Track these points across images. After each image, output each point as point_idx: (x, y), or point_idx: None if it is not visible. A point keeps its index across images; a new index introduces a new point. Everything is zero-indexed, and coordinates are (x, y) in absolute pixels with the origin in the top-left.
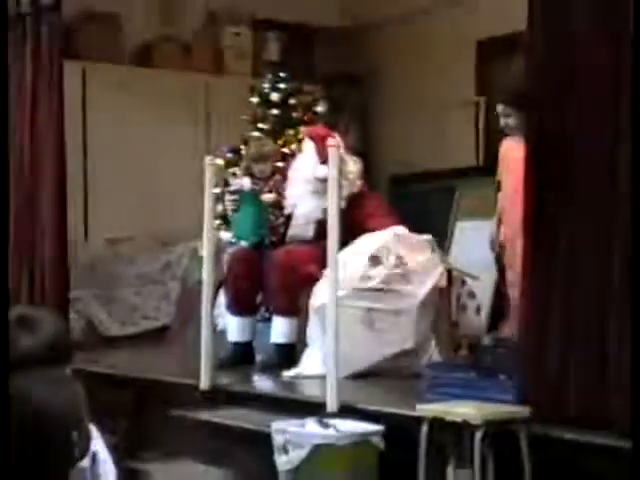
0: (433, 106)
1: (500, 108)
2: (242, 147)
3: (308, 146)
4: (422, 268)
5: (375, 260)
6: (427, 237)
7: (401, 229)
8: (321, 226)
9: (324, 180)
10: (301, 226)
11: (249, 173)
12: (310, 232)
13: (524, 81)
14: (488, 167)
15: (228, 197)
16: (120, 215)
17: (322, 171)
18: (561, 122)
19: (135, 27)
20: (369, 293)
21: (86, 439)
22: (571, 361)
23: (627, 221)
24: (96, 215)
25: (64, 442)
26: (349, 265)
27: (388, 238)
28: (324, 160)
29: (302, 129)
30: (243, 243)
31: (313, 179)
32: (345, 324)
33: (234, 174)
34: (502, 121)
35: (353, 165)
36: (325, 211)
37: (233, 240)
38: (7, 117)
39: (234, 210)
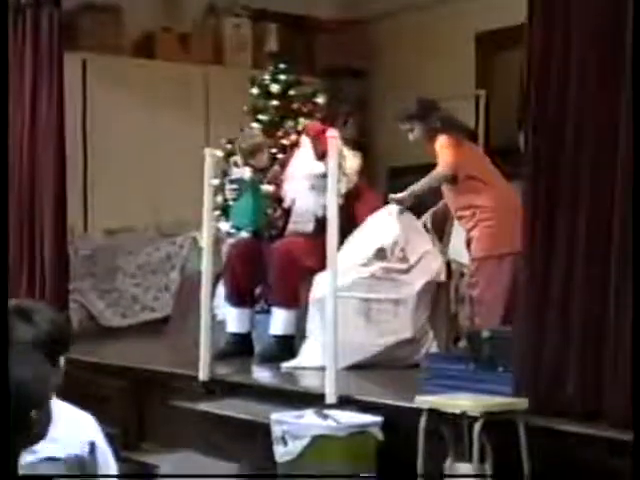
0: (433, 99)
1: (404, 126)
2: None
3: (304, 143)
4: (421, 258)
5: (381, 252)
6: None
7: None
8: (321, 221)
9: (322, 176)
10: (301, 221)
11: (249, 163)
12: (310, 227)
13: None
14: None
15: (228, 186)
16: (120, 206)
17: (319, 168)
18: (560, 119)
19: (135, 18)
20: (367, 283)
21: (47, 419)
22: (569, 353)
23: (626, 215)
24: (96, 206)
25: (20, 419)
26: (352, 254)
27: (396, 229)
28: (320, 157)
29: (302, 120)
30: (243, 234)
31: (310, 176)
32: (343, 314)
33: (235, 163)
34: (410, 136)
35: (352, 159)
36: (324, 207)
37: (232, 231)
38: (7, 109)
39: (234, 199)
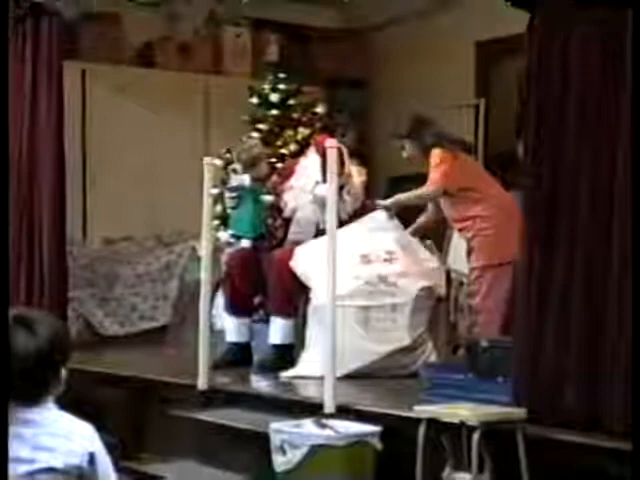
0: (432, 108)
1: (398, 144)
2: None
3: (313, 159)
4: (417, 265)
5: (365, 258)
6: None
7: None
8: (320, 232)
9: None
10: (300, 231)
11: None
12: (309, 237)
13: (410, 115)
14: (487, 168)
15: (228, 194)
16: (119, 215)
17: (322, 191)
18: (560, 126)
19: (135, 28)
20: (364, 291)
21: None
22: (568, 362)
23: (626, 221)
24: (95, 215)
25: None
26: (340, 266)
27: (370, 233)
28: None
29: (302, 130)
30: (243, 243)
31: (314, 194)
32: (342, 323)
33: (234, 170)
34: (403, 153)
35: (358, 177)
36: (324, 221)
37: (232, 240)
38: (7, 118)
39: (233, 207)
